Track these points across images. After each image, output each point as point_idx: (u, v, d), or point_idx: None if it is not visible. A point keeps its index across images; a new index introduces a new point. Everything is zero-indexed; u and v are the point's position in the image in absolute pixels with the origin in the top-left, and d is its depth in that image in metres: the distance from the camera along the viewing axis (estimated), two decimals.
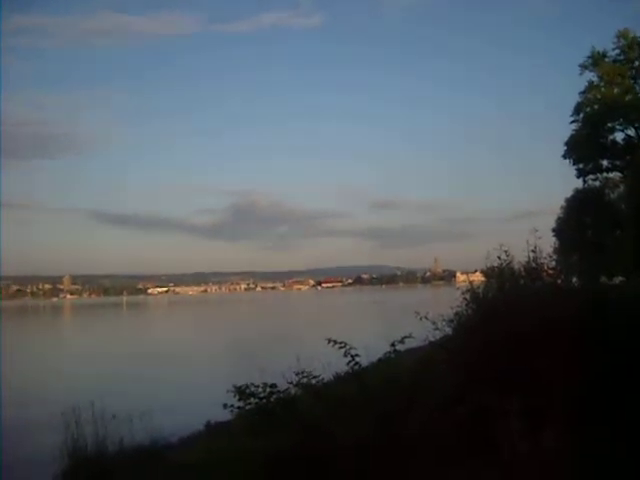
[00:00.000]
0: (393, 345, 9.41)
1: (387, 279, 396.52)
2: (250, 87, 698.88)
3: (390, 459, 7.74)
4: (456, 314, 10.02)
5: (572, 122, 55.53)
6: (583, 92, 54.65)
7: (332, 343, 9.49)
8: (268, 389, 8.85)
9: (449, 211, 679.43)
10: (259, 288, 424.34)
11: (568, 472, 6.81)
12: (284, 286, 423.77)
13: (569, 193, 57.29)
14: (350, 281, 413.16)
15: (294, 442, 8.19)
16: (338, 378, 9.98)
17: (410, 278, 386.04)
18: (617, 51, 53.89)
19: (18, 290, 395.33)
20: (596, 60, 54.03)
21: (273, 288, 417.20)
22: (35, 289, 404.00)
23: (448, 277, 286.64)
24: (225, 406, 8.98)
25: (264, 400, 8.73)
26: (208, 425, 9.01)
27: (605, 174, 57.66)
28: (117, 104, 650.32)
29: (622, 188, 52.00)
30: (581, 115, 54.62)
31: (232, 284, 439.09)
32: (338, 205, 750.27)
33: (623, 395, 8.06)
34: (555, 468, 6.83)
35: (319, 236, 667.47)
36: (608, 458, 6.92)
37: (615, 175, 57.38)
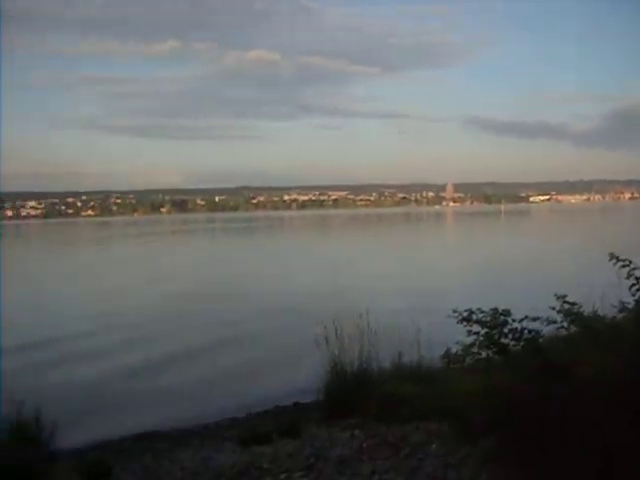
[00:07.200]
0: None
1: None
2: None
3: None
4: None
5: None
6: None
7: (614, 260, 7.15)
8: (501, 317, 6.97)
9: None
10: None
11: None
12: None
13: None
14: None
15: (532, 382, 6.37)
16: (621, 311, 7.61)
17: None
18: None
19: (403, 198, 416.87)
20: None
21: None
22: (419, 197, 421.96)
23: None
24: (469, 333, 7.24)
25: (493, 331, 6.92)
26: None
27: None
28: (495, 10, 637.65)
29: None
30: None
31: (616, 193, 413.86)
32: None
33: None
34: None
35: None
36: None
37: None
